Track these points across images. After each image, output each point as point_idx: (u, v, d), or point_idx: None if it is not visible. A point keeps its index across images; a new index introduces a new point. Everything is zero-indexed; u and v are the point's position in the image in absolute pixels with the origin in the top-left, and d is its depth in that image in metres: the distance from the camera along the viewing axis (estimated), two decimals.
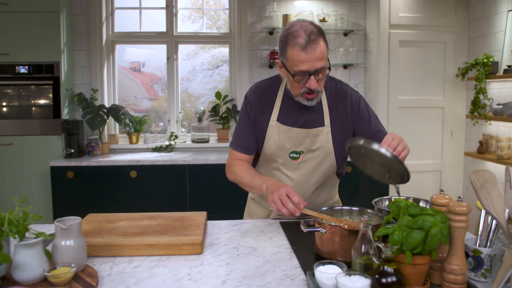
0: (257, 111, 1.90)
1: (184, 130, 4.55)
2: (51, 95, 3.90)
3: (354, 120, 1.91)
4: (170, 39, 4.47)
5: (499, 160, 3.65)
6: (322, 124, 1.86)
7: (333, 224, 1.39)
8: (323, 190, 1.97)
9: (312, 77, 1.68)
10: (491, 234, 1.33)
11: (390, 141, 1.57)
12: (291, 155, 1.87)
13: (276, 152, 1.87)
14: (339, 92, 1.93)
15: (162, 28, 4.48)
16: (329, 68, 1.72)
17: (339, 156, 1.91)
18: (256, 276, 1.30)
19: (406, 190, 1.88)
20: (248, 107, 1.92)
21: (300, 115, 1.86)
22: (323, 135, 1.86)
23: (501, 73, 3.76)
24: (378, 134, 1.91)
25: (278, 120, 1.87)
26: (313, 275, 1.21)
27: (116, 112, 4.10)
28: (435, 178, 4.48)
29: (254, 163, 2.02)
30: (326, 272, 1.16)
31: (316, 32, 1.66)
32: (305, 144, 1.86)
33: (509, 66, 3.62)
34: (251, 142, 1.91)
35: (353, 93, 1.94)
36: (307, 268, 1.36)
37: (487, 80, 3.92)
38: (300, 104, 1.83)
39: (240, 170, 1.88)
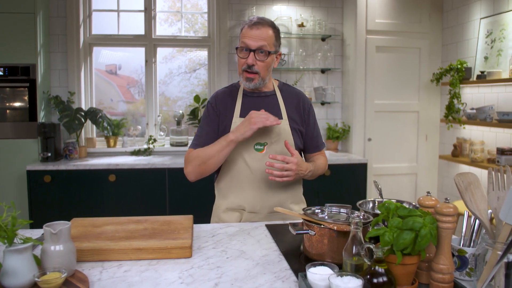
0: (220, 113, 2.03)
1: (162, 134, 4.52)
2: (27, 98, 3.83)
3: (304, 120, 2.10)
4: (149, 42, 4.45)
5: (473, 163, 3.76)
6: (281, 117, 2.02)
7: (322, 226, 1.41)
8: (287, 185, 2.04)
9: (252, 53, 1.91)
10: (474, 234, 1.38)
11: (283, 160, 1.83)
12: (255, 147, 1.98)
13: (241, 146, 1.95)
14: (293, 92, 2.14)
15: (140, 31, 4.45)
16: (271, 53, 1.94)
17: (297, 149, 2.07)
18: (247, 279, 1.31)
19: (383, 192, 1.92)
20: (210, 110, 2.06)
21: (260, 109, 1.98)
22: (284, 127, 2.01)
23: (474, 79, 3.87)
24: (318, 139, 2.16)
25: (240, 116, 2.00)
26: (305, 276, 1.23)
27: (94, 115, 4.04)
28: (411, 180, 4.57)
29: (216, 171, 2.08)
30: (318, 273, 1.17)
31: (268, 22, 1.95)
32: (268, 136, 1.98)
33: (482, 72, 3.73)
34: (209, 142, 1.99)
35: (306, 98, 2.16)
36: (297, 270, 1.38)
37: (461, 85, 4.03)
38: (260, 101, 2.04)
39: (200, 150, 1.96)
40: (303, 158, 2.19)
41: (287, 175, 1.83)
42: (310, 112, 2.12)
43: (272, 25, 1.95)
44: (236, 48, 1.96)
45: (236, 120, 1.99)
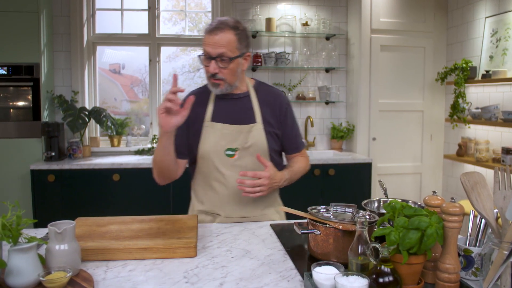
0: (190, 116, 1.90)
1: None
2: (30, 97, 3.83)
3: (281, 121, 2.01)
4: (153, 41, 4.45)
5: (478, 162, 3.74)
6: (254, 121, 1.94)
7: (327, 225, 1.41)
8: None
9: (213, 61, 1.81)
10: (480, 234, 1.37)
11: (254, 176, 1.75)
12: (226, 152, 1.91)
13: (212, 151, 1.91)
14: (269, 93, 2.03)
15: (144, 30, 4.45)
16: (233, 58, 1.81)
17: (272, 152, 1.99)
18: (252, 278, 1.31)
19: (388, 192, 1.91)
20: None
21: (232, 113, 1.95)
22: (256, 131, 1.93)
23: (479, 78, 3.85)
24: (296, 140, 2.07)
25: (212, 120, 1.94)
26: (310, 276, 1.22)
27: (97, 114, 4.05)
28: (415, 180, 4.55)
29: (193, 170, 2.04)
30: (324, 273, 1.17)
31: (229, 24, 1.81)
32: (239, 140, 1.91)
33: (487, 71, 3.71)
34: (180, 146, 1.93)
35: (283, 98, 2.05)
36: (302, 269, 1.38)
37: (466, 85, 4.01)
38: (232, 104, 1.96)
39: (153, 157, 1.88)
40: (284, 158, 2.13)
41: (260, 190, 1.75)
42: (287, 112, 2.02)
43: (234, 27, 1.82)
44: (199, 56, 1.87)
45: (207, 124, 1.93)
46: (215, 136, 1.91)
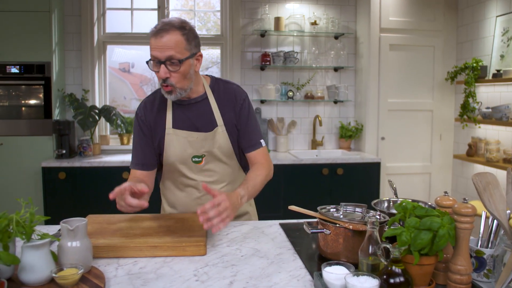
0: (151, 125, 1.89)
1: None
2: (42, 95, 3.86)
3: (237, 115, 1.91)
4: None
5: (488, 163, 3.71)
6: (216, 125, 1.87)
7: (337, 225, 1.41)
8: (233, 188, 1.94)
9: (162, 66, 1.68)
10: (492, 235, 1.36)
11: (213, 206, 1.49)
12: (193, 159, 1.87)
13: (178, 159, 1.87)
14: (226, 90, 1.93)
15: None
16: (183, 60, 1.69)
17: (238, 151, 1.95)
18: (262, 277, 1.31)
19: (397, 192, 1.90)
20: (141, 123, 1.90)
21: (193, 119, 1.87)
22: (220, 135, 1.87)
23: (490, 77, 3.82)
24: (251, 137, 1.93)
25: (173, 127, 1.86)
26: (320, 275, 1.22)
27: (107, 113, 4.07)
28: (424, 180, 4.53)
29: (159, 175, 2.02)
30: (334, 273, 1.17)
31: (174, 25, 1.68)
32: (206, 147, 1.86)
33: (498, 71, 3.68)
34: (148, 158, 1.90)
35: (239, 92, 1.94)
36: (312, 269, 1.38)
37: (476, 84, 3.98)
38: (192, 109, 1.87)
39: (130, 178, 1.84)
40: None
41: (227, 216, 1.50)
42: (243, 106, 1.91)
43: (180, 27, 1.69)
44: (147, 62, 1.73)
45: (170, 131, 1.85)
46: (180, 144, 1.85)
